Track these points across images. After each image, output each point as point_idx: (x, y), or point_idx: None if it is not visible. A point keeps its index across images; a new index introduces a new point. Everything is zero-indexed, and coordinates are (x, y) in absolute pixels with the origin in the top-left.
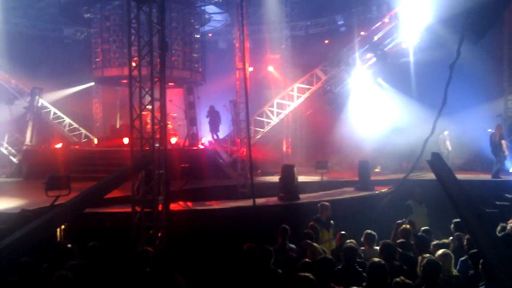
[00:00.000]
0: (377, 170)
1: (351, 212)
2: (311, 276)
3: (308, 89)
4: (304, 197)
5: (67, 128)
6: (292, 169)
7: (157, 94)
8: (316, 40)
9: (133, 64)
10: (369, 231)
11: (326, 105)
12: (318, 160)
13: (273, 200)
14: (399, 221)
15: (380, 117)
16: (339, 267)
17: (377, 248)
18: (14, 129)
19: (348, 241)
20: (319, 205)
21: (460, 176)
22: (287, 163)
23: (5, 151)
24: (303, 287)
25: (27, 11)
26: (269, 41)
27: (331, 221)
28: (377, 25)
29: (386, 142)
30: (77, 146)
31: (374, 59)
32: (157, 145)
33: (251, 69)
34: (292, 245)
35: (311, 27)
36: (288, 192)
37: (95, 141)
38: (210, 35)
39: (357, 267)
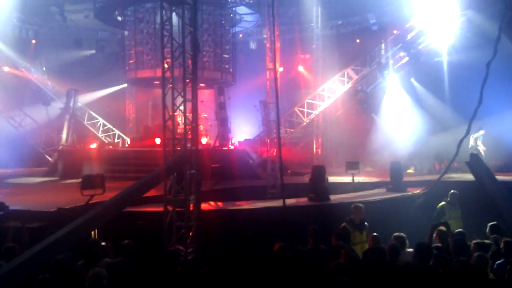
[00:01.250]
0: (410, 171)
1: (382, 214)
2: (347, 280)
3: (339, 89)
4: (334, 198)
5: (101, 129)
6: (323, 169)
7: (189, 95)
8: (347, 39)
9: (166, 65)
10: (399, 233)
11: (358, 105)
12: (349, 161)
13: (303, 201)
14: (435, 223)
15: (413, 118)
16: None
17: (409, 250)
18: (51, 129)
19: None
20: (352, 206)
21: (498, 177)
22: (317, 164)
23: (42, 151)
24: None
25: (64, 14)
26: (299, 41)
27: (366, 223)
28: (410, 23)
29: (419, 142)
30: (110, 146)
31: (407, 58)
32: (189, 145)
33: (281, 69)
34: (323, 246)
35: (342, 26)
36: (318, 193)
37: (128, 141)
38: (240, 36)
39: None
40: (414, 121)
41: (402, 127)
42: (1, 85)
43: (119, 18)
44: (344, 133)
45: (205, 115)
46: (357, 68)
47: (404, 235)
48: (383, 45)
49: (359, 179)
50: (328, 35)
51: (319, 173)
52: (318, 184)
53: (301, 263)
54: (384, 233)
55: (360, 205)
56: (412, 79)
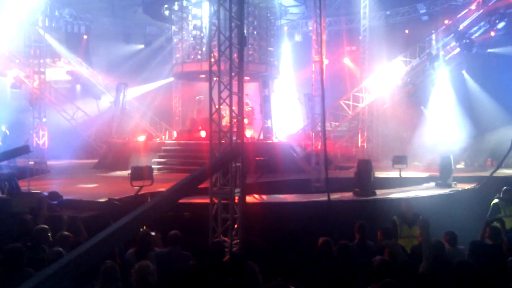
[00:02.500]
0: (460, 166)
1: (430, 210)
2: (395, 282)
3: (387, 81)
4: (380, 194)
5: (148, 122)
6: (369, 164)
7: (234, 89)
8: (395, 30)
9: (212, 59)
10: (450, 230)
11: (406, 98)
12: (396, 155)
13: (348, 195)
14: (489, 220)
15: (463, 112)
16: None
17: (461, 247)
18: (101, 122)
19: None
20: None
21: None
22: (363, 158)
23: (93, 143)
24: None
25: (113, 10)
26: (345, 32)
27: (421, 217)
28: (463, 12)
29: (471, 137)
30: (157, 139)
31: (458, 49)
32: (234, 138)
33: (326, 61)
34: (370, 242)
35: (391, 16)
36: (364, 188)
37: (175, 134)
38: (285, 28)
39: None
40: (465, 116)
41: (452, 120)
42: (53, 79)
43: (167, 13)
44: (391, 126)
45: (249, 108)
46: (406, 59)
47: (455, 232)
48: (433, 36)
49: (406, 174)
50: (376, 26)
51: (365, 167)
52: (363, 179)
53: (347, 258)
54: (432, 230)
55: (408, 200)
56: (464, 72)
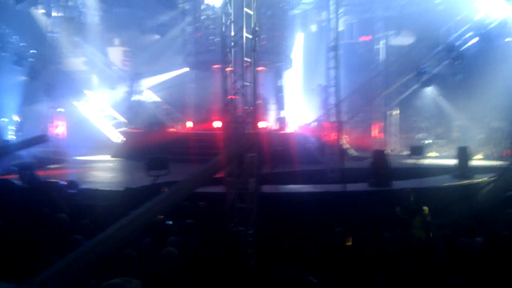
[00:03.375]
0: (478, 157)
1: (447, 201)
2: (409, 268)
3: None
4: (396, 184)
5: (163, 112)
6: (384, 154)
7: (248, 79)
8: (411, 20)
9: (226, 49)
10: (467, 221)
11: (422, 87)
12: (412, 145)
13: (363, 185)
14: (509, 211)
15: (480, 101)
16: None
17: (479, 239)
18: (117, 112)
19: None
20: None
21: None
22: (378, 148)
23: (109, 133)
24: (402, 280)
25: (129, 0)
26: (359, 23)
27: (424, 208)
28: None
29: (489, 127)
30: (173, 129)
31: (477, 38)
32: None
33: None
34: (386, 233)
35: (406, 6)
36: (380, 178)
37: (190, 124)
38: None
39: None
40: (482, 105)
41: (469, 111)
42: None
43: (181, 3)
44: (407, 116)
45: (260, 101)
46: (422, 50)
47: (473, 223)
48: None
49: (423, 164)
50: (391, 16)
51: (380, 157)
52: (379, 169)
53: (362, 248)
54: (449, 221)
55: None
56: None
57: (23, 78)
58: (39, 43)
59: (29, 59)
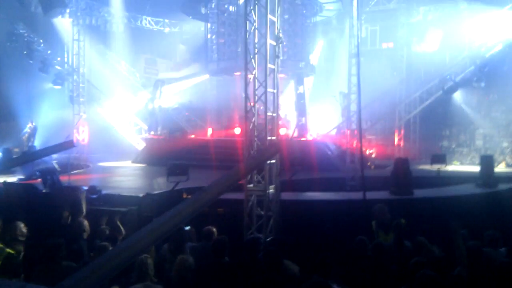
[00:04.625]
0: (501, 165)
1: (471, 210)
2: (432, 273)
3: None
4: (418, 193)
5: (184, 118)
6: (406, 162)
7: (270, 86)
8: (435, 26)
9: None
10: (491, 231)
11: (445, 95)
12: (434, 154)
13: (384, 194)
14: None
15: (504, 109)
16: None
17: (502, 250)
18: (139, 119)
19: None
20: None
21: None
22: (400, 156)
23: (130, 139)
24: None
25: (152, 8)
26: (381, 29)
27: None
28: None
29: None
30: (194, 136)
31: (501, 45)
32: (269, 136)
33: (362, 59)
34: (407, 242)
35: (429, 12)
36: (401, 187)
37: (210, 131)
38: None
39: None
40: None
41: (493, 118)
42: (93, 75)
43: (203, 11)
44: (429, 124)
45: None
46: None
47: (496, 234)
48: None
49: (446, 173)
50: (414, 23)
51: (402, 166)
52: (400, 177)
53: (382, 257)
54: (473, 231)
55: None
56: None
57: (49, 85)
58: (65, 51)
59: (55, 67)
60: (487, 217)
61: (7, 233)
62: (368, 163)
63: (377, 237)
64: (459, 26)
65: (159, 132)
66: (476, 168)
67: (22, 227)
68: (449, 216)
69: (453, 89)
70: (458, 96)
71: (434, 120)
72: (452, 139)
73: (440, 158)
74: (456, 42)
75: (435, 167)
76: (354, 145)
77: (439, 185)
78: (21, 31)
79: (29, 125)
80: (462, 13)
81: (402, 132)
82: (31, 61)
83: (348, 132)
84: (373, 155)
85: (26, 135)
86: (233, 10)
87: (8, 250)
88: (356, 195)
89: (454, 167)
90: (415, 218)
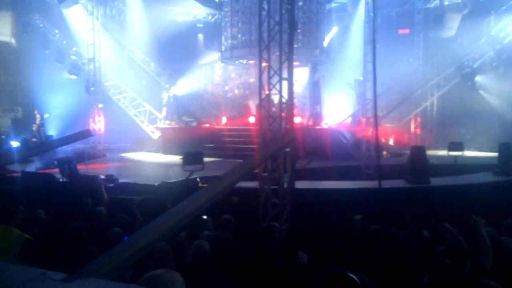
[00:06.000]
0: None
1: (488, 199)
2: (450, 263)
3: (441, 64)
4: (435, 181)
5: (199, 107)
6: (422, 150)
7: (284, 74)
8: (452, 11)
9: (262, 44)
10: (510, 220)
11: (462, 82)
12: (451, 141)
13: (400, 182)
14: None
15: None
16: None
17: None
18: (154, 108)
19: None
20: None
21: None
22: (416, 144)
23: (146, 129)
24: (442, 274)
25: None
26: (397, 15)
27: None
28: None
29: None
30: (207, 125)
31: None
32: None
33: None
34: (425, 231)
35: None
36: (417, 175)
37: (224, 120)
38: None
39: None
40: None
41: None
42: (109, 65)
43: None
44: (446, 112)
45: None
46: (463, 42)
47: None
48: (492, 17)
49: (462, 161)
50: (431, 8)
51: (418, 153)
52: (417, 165)
53: (398, 246)
54: (490, 220)
55: None
56: None
57: (65, 75)
58: (80, 41)
59: (71, 57)
60: (505, 206)
61: (28, 220)
62: (384, 151)
63: None
64: (477, 11)
65: (174, 122)
66: (494, 156)
67: (42, 214)
68: (466, 204)
69: (471, 75)
70: (476, 83)
71: (451, 107)
72: (470, 126)
73: (457, 146)
74: (474, 28)
75: (452, 154)
76: (370, 133)
77: (456, 173)
78: (36, 21)
79: (37, 115)
80: None
81: (419, 119)
82: (47, 51)
83: (364, 120)
84: (390, 143)
85: (35, 125)
86: None
87: (27, 236)
88: (372, 184)
89: (471, 154)
90: (432, 207)
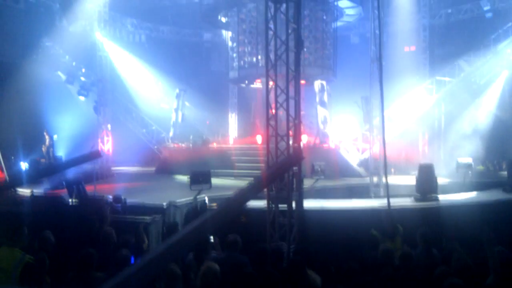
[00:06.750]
0: None
1: (498, 217)
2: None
3: (449, 81)
4: (443, 199)
5: (206, 127)
6: (430, 168)
7: (291, 92)
8: (458, 29)
9: (269, 63)
10: None
11: (470, 99)
12: (459, 160)
13: (408, 201)
14: None
15: None
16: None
17: None
18: (162, 127)
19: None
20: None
21: None
22: (424, 162)
23: (154, 148)
24: None
25: (173, 18)
26: (403, 32)
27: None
28: None
29: None
30: (214, 144)
31: None
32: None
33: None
34: (435, 250)
35: (453, 15)
36: (426, 193)
37: (231, 139)
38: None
39: None
40: None
41: None
42: (117, 86)
43: (223, 19)
44: (454, 129)
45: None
46: (470, 59)
47: None
48: (498, 34)
49: (471, 178)
50: (437, 25)
51: (426, 172)
52: (425, 184)
53: (409, 267)
54: (500, 239)
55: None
56: None
57: (75, 96)
58: (89, 62)
59: (80, 78)
60: None
61: (35, 241)
62: (392, 170)
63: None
64: (483, 27)
65: (182, 142)
66: (503, 173)
67: (50, 235)
68: (476, 223)
69: (478, 92)
70: (484, 100)
71: (460, 124)
72: (478, 143)
73: (466, 164)
74: (481, 44)
75: (461, 172)
76: (378, 151)
77: (465, 191)
78: (47, 44)
79: (46, 136)
80: (486, 14)
81: (427, 136)
82: (56, 73)
83: (371, 138)
84: (398, 161)
85: (45, 146)
86: (253, 18)
87: (28, 258)
88: (380, 203)
89: (480, 173)
90: (441, 225)
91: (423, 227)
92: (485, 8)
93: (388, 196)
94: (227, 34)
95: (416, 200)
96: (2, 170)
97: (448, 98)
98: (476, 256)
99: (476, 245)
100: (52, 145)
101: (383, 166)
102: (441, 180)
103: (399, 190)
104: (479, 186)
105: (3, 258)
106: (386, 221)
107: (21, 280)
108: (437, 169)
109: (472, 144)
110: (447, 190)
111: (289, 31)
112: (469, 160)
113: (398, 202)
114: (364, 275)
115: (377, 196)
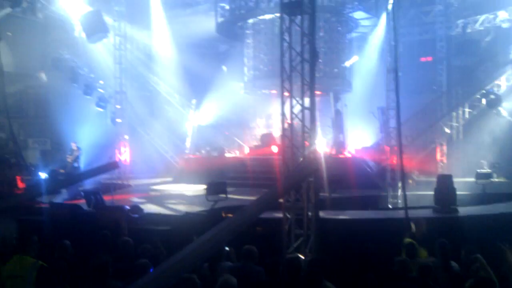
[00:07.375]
0: None
1: None
2: None
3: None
4: (463, 211)
5: (222, 137)
6: (449, 179)
7: (306, 103)
8: (475, 39)
9: (284, 75)
10: None
11: (488, 109)
12: (479, 170)
13: (427, 212)
14: None
15: None
16: None
17: None
18: (177, 138)
19: None
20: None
21: None
22: (442, 173)
23: (169, 158)
24: None
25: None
26: (419, 43)
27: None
28: None
29: None
30: (230, 154)
31: None
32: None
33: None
34: (454, 263)
35: (469, 25)
36: (445, 205)
37: (247, 149)
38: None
39: None
40: None
41: None
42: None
43: (239, 31)
44: (473, 139)
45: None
46: (487, 69)
47: None
48: None
49: (490, 190)
50: (453, 36)
51: (445, 183)
52: (444, 195)
53: (428, 279)
54: None
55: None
56: None
57: (92, 107)
58: (107, 74)
59: (98, 89)
60: None
61: (52, 250)
62: (410, 180)
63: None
64: (500, 37)
65: (198, 152)
66: None
67: (68, 245)
68: (496, 235)
69: (496, 102)
70: (502, 109)
71: (478, 134)
72: (497, 153)
73: (485, 174)
74: (498, 54)
75: (481, 183)
76: (395, 161)
77: (485, 202)
78: (66, 56)
79: (74, 146)
80: (503, 24)
81: (445, 147)
82: (75, 85)
83: (388, 148)
84: (415, 172)
85: (72, 156)
86: (268, 29)
87: (41, 263)
88: (398, 214)
89: (500, 184)
90: (460, 237)
91: (441, 238)
92: (503, 18)
93: (406, 207)
94: (242, 45)
95: (435, 211)
96: (22, 181)
97: (467, 109)
98: (496, 268)
99: (495, 257)
100: (78, 156)
101: (401, 176)
102: (460, 191)
103: (418, 201)
104: (500, 197)
105: (17, 266)
106: (417, 230)
107: (38, 284)
108: (455, 180)
109: (491, 154)
110: (467, 201)
111: (304, 42)
112: (489, 171)
113: (417, 213)
114: (382, 286)
115: (395, 207)
